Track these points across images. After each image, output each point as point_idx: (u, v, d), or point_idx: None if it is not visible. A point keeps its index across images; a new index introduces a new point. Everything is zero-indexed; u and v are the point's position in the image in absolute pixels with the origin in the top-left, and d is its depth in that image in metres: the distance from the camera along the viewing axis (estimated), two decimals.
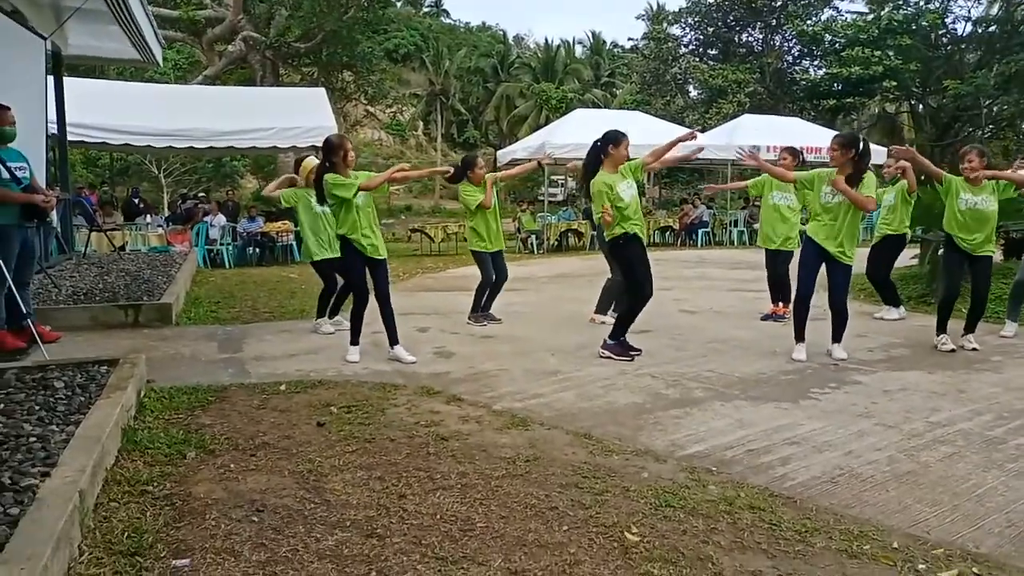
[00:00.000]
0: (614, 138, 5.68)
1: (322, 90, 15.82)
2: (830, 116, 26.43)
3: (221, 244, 14.11)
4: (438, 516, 2.93)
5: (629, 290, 5.89)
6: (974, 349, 6.01)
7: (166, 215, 17.01)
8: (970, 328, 6.16)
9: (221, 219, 14.63)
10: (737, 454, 3.70)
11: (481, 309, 7.20)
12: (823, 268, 5.66)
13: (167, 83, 24.10)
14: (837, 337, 5.75)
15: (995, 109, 25.50)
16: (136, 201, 17.22)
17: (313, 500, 3.06)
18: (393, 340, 5.65)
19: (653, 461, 3.59)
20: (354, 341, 5.62)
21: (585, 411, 4.40)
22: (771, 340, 6.38)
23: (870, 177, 5.48)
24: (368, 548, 2.66)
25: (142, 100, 13.67)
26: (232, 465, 3.43)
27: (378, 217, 5.72)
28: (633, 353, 5.73)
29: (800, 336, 5.74)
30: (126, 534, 2.68)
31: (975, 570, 2.57)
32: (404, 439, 3.83)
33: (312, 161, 6.67)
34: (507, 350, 6.05)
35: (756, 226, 18.22)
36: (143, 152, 21.24)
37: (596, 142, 5.75)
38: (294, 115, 13.72)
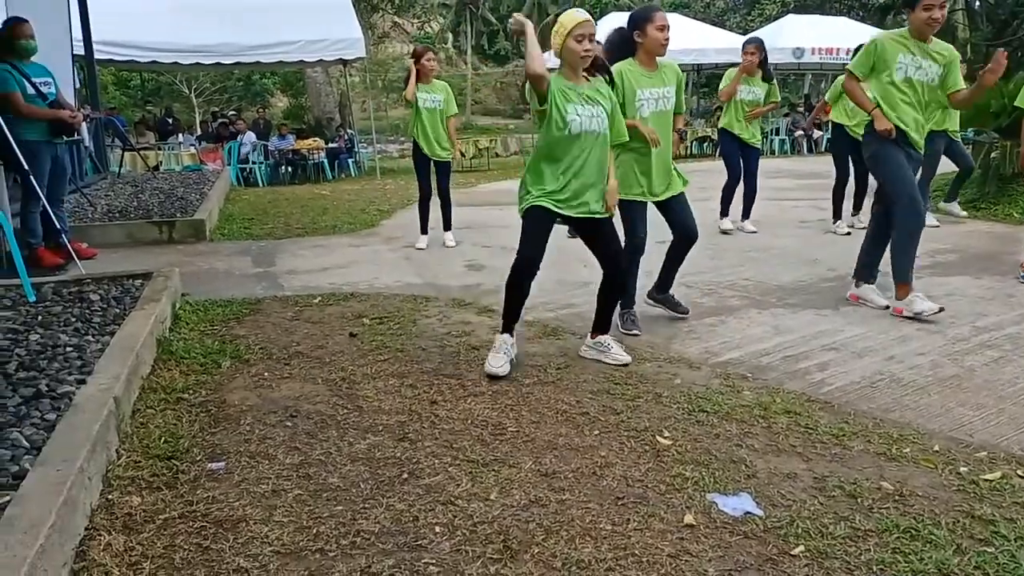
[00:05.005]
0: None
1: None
2: (879, 15, 24.99)
3: (253, 163, 14.09)
4: (469, 421, 2.93)
5: None
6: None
7: (198, 134, 16.99)
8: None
9: (252, 137, 14.57)
10: (773, 360, 3.63)
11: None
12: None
13: None
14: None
15: None
16: (169, 120, 17.23)
17: (346, 406, 3.08)
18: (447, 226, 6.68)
19: (686, 368, 3.54)
20: (423, 231, 6.60)
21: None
22: (811, 248, 6.20)
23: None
24: (400, 451, 2.67)
25: (165, 14, 13.37)
26: (266, 374, 3.46)
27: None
28: None
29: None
30: (163, 439, 2.73)
31: (1019, 472, 2.50)
32: (435, 348, 3.83)
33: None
34: None
35: (798, 134, 17.68)
36: (171, 70, 21.06)
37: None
38: (320, 27, 13.36)
